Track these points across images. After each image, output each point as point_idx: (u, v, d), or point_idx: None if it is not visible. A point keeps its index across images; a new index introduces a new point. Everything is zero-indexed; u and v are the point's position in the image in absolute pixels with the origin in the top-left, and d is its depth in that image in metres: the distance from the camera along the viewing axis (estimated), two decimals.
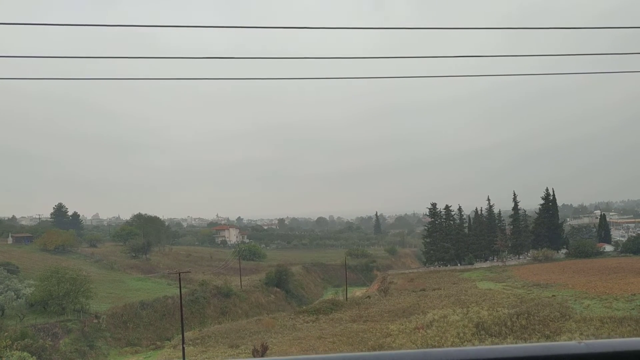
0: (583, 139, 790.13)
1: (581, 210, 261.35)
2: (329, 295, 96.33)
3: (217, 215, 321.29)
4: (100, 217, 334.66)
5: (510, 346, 1.46)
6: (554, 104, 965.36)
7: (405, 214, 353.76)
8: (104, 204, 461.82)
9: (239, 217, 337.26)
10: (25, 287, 64.69)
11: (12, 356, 41.64)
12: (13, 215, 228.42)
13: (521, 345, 1.47)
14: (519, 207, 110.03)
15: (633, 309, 47.18)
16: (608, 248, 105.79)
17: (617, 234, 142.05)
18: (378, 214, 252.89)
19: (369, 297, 76.66)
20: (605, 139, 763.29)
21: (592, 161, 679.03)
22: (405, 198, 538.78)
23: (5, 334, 47.42)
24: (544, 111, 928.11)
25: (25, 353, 43.20)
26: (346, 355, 1.55)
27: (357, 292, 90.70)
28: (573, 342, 1.48)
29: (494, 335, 43.13)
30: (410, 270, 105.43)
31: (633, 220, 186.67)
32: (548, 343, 1.49)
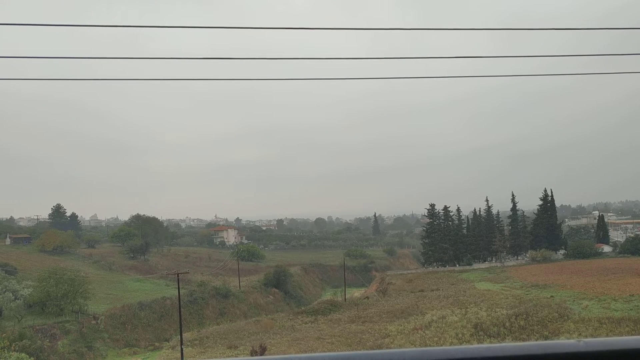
0: (581, 139, 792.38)
1: (579, 211, 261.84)
2: (327, 296, 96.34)
3: (215, 216, 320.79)
4: (99, 218, 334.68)
5: (509, 345, 1.46)
6: (552, 105, 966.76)
7: (404, 215, 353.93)
8: (102, 205, 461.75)
9: (238, 217, 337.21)
10: (24, 288, 64.53)
11: (10, 357, 41.52)
12: (11, 216, 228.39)
13: (520, 344, 1.47)
14: (517, 207, 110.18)
15: (631, 309, 47.27)
16: (606, 249, 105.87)
17: (615, 235, 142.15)
18: (376, 215, 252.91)
19: (367, 297, 76.67)
20: (603, 139, 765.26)
21: (590, 162, 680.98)
22: (404, 199, 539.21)
23: (4, 335, 47.32)
24: (543, 112, 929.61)
25: (23, 354, 43.07)
26: (345, 354, 1.53)
27: (356, 292, 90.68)
28: (572, 341, 1.48)
29: (493, 336, 43.20)
30: (409, 271, 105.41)
31: (631, 221, 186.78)
32: (547, 342, 1.49)
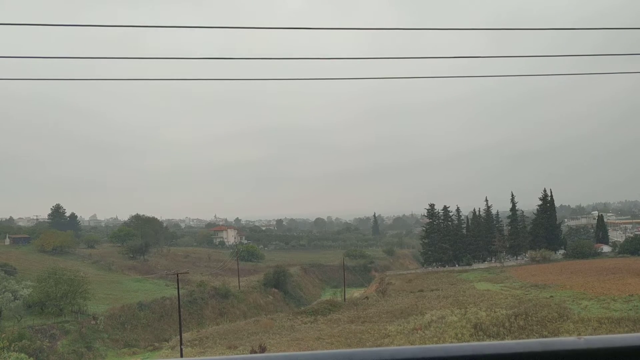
0: (578, 138, 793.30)
1: (579, 211, 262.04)
2: (327, 296, 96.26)
3: (215, 216, 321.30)
4: (98, 218, 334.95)
5: (510, 342, 1.46)
6: (550, 103, 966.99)
7: (404, 215, 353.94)
8: (101, 205, 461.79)
9: (237, 218, 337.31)
10: (23, 288, 64.53)
11: (9, 357, 41.55)
12: (10, 217, 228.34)
13: (521, 341, 1.47)
14: (516, 207, 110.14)
15: (630, 309, 47.32)
16: (606, 249, 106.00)
17: (614, 235, 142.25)
18: (376, 215, 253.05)
19: (367, 298, 76.68)
20: (601, 137, 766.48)
21: (589, 161, 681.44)
22: (404, 199, 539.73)
23: (3, 335, 47.30)
24: (540, 110, 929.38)
25: (22, 354, 43.10)
26: (346, 352, 1.54)
27: (355, 293, 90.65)
28: (572, 338, 1.49)
29: (492, 336, 43.21)
30: (409, 271, 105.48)
31: (631, 221, 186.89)
32: (548, 339, 1.50)
